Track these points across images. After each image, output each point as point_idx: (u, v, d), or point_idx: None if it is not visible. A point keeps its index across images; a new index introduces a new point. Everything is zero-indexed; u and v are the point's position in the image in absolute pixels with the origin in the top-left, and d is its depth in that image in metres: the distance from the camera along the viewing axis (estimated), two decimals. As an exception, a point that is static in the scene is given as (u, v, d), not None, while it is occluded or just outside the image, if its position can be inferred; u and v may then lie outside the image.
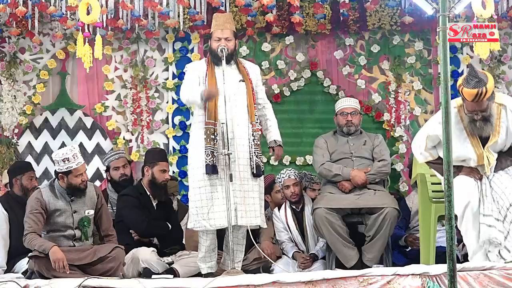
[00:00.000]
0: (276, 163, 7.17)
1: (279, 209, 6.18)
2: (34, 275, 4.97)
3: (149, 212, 5.75)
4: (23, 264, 5.47)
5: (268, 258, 5.62)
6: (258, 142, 5.20)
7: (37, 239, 4.99)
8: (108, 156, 6.43)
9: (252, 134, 5.18)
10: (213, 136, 5.07)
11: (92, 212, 5.28)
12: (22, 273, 5.32)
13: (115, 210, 6.03)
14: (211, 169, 5.05)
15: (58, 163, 5.13)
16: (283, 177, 6.10)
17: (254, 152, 5.15)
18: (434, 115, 5.36)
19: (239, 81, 5.23)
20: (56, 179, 5.22)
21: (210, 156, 5.05)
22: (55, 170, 5.22)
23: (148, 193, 5.82)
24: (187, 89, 5.26)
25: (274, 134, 5.42)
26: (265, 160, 7.15)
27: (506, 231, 4.76)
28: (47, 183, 5.33)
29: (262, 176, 5.31)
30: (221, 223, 5.06)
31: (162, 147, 7.12)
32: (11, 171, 6.13)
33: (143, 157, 6.27)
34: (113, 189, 6.27)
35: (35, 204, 5.11)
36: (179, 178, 6.89)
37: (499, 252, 4.79)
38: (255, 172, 5.14)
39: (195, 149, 5.22)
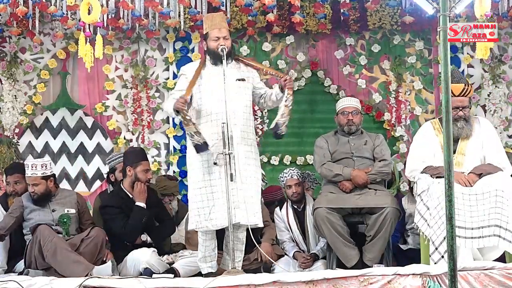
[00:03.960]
0: (277, 162, 7.19)
1: (280, 209, 6.18)
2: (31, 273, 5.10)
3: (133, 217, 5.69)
4: (23, 264, 5.48)
5: (269, 258, 5.61)
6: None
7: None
8: (114, 158, 6.27)
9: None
10: (188, 117, 4.97)
11: (73, 210, 5.62)
12: (18, 274, 5.37)
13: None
14: (203, 148, 4.95)
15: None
16: (285, 177, 6.09)
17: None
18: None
19: (237, 79, 5.20)
20: None
21: (196, 136, 4.93)
22: None
23: (130, 196, 5.75)
24: (169, 102, 5.20)
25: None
26: (265, 160, 7.18)
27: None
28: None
29: (260, 175, 5.26)
30: (222, 223, 5.04)
31: (162, 146, 7.13)
32: (5, 172, 6.22)
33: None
34: None
35: (14, 206, 5.65)
36: (179, 178, 6.89)
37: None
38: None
39: (193, 149, 5.15)
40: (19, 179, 5.95)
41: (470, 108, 5.44)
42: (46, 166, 5.66)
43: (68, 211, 5.59)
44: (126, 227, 5.60)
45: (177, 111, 5.00)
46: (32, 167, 5.60)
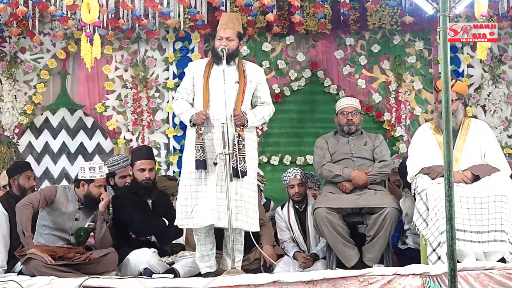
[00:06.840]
0: (277, 162, 7.18)
1: (282, 208, 6.18)
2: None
3: (145, 211, 5.73)
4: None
5: (271, 260, 5.60)
6: (242, 146, 5.05)
7: (29, 224, 5.22)
8: (115, 162, 6.16)
9: (238, 135, 5.07)
10: (201, 131, 5.05)
11: (92, 224, 5.49)
12: (18, 274, 5.37)
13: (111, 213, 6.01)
14: (202, 165, 5.00)
15: (83, 170, 5.39)
16: (289, 176, 6.09)
17: (239, 155, 5.00)
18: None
19: (235, 82, 5.19)
20: (74, 187, 5.46)
21: (200, 151, 5.01)
22: (77, 178, 5.49)
23: (141, 193, 5.77)
24: (180, 105, 5.23)
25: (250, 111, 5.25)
26: (265, 160, 7.18)
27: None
28: (64, 185, 5.68)
29: (255, 179, 5.22)
30: (203, 222, 5.02)
31: (162, 146, 7.13)
32: (9, 172, 6.16)
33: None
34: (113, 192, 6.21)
35: (46, 193, 5.37)
36: (179, 178, 6.87)
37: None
38: (234, 174, 4.96)
39: (186, 148, 5.23)
40: (31, 175, 6.05)
41: (457, 101, 5.37)
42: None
43: (88, 225, 5.46)
44: (139, 225, 5.64)
45: (194, 124, 5.06)
46: (99, 169, 5.41)
